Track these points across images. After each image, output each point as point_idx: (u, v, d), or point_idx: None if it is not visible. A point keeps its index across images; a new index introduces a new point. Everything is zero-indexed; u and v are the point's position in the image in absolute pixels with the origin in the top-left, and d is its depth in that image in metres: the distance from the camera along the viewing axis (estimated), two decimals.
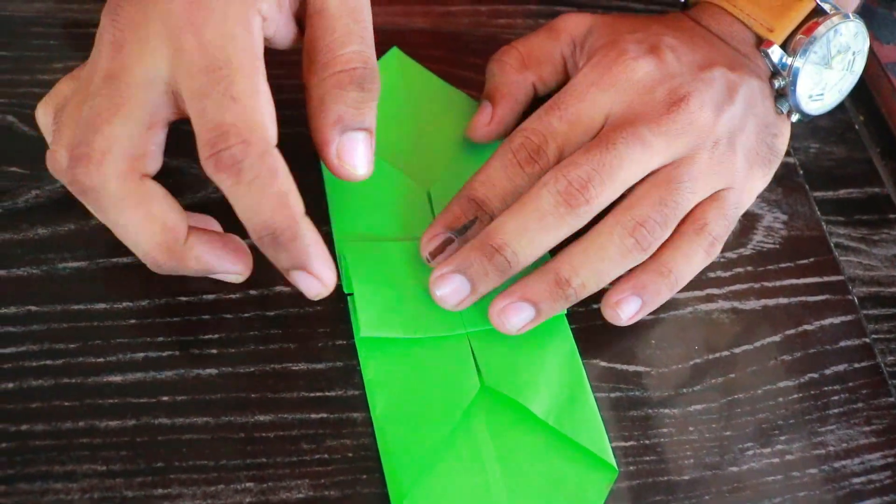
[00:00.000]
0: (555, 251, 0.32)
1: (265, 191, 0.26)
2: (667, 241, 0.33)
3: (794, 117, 0.37)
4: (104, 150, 0.26)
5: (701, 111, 0.33)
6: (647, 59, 0.34)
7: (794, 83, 0.35)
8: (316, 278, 0.28)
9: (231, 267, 0.29)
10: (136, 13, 0.27)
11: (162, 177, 0.33)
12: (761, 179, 0.36)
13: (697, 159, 0.33)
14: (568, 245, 0.32)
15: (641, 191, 0.32)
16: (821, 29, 0.34)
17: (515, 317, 0.31)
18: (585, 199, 0.31)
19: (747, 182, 0.35)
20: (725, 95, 0.34)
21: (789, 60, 0.35)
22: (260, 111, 0.26)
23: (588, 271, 0.31)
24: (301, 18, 0.30)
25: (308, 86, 0.29)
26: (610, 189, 0.31)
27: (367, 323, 0.31)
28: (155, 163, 0.28)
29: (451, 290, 0.31)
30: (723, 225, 0.34)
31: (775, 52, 0.35)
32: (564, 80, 0.38)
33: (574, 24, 0.38)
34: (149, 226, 0.27)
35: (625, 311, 0.33)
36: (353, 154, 0.29)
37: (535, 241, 0.31)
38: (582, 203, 0.31)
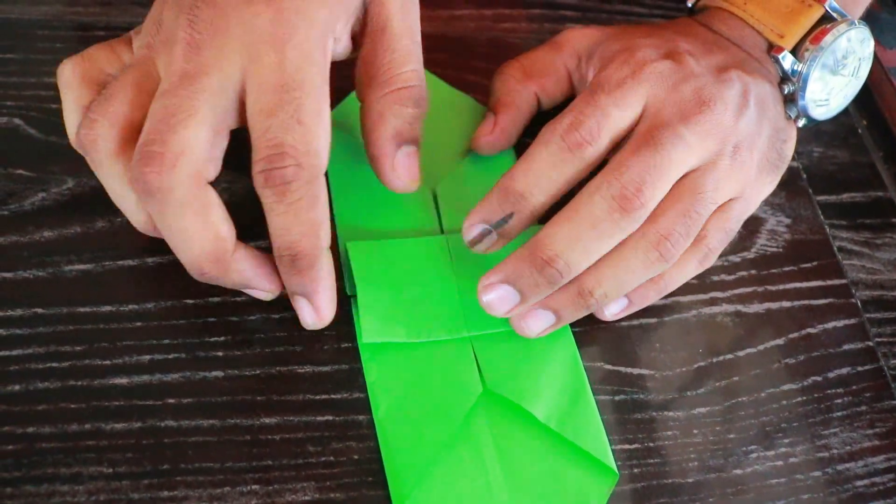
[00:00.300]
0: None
1: (300, 215, 0.27)
2: None
3: (801, 122, 0.37)
4: (178, 152, 0.26)
5: (725, 113, 0.32)
6: (668, 61, 0.33)
7: (803, 89, 0.35)
8: (315, 311, 0.29)
9: (267, 285, 0.30)
10: (217, 18, 0.27)
11: None
12: (769, 185, 0.36)
13: (720, 165, 0.32)
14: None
15: (665, 201, 0.31)
16: (829, 36, 0.34)
17: (536, 322, 0.32)
18: (641, 202, 0.30)
19: (755, 189, 0.35)
20: (741, 100, 0.33)
21: (800, 66, 0.35)
22: (320, 137, 0.27)
23: (611, 283, 0.31)
24: (355, 37, 0.31)
25: (366, 101, 0.30)
26: (660, 190, 0.30)
27: (369, 329, 0.31)
28: (216, 169, 0.28)
29: (497, 297, 0.31)
30: (720, 238, 0.34)
31: (787, 59, 0.35)
32: (569, 92, 0.38)
33: (578, 37, 0.38)
34: (204, 233, 0.27)
35: (611, 309, 0.34)
36: (409, 167, 0.31)
37: (590, 249, 0.30)
38: (637, 207, 0.30)
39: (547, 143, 0.31)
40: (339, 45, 0.30)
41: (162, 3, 0.29)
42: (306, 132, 0.27)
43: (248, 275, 0.29)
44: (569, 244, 0.30)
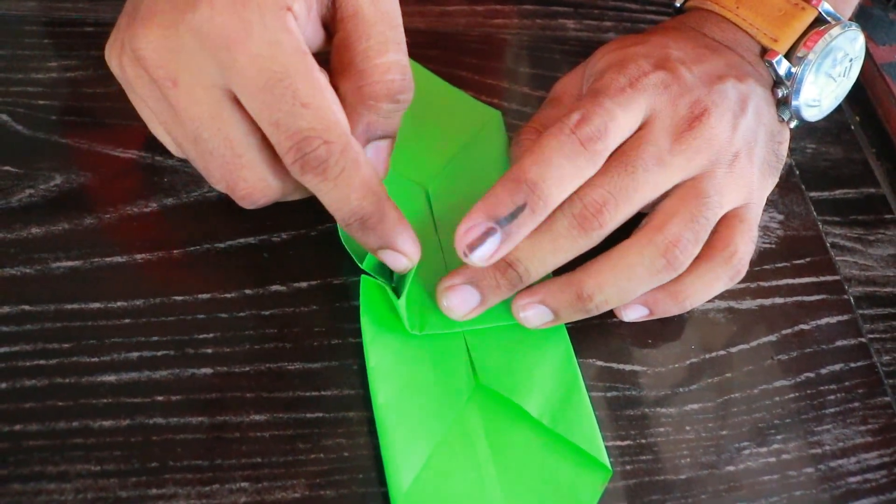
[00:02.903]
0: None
1: (351, 182, 0.27)
2: (692, 263, 0.32)
3: (792, 123, 0.36)
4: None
5: (720, 126, 0.32)
6: (662, 72, 0.32)
7: (797, 92, 0.35)
8: (402, 254, 0.29)
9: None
10: (165, 38, 0.26)
11: (158, 177, 0.34)
12: (770, 188, 0.36)
13: (717, 173, 0.32)
14: (595, 257, 0.31)
15: (669, 207, 0.31)
16: (823, 40, 0.34)
17: (534, 317, 0.32)
18: (600, 223, 0.30)
19: (761, 194, 0.35)
20: (739, 108, 0.33)
21: (794, 70, 0.35)
22: (330, 108, 0.26)
23: (613, 289, 0.31)
24: (328, 24, 0.29)
25: (340, 90, 0.28)
26: (625, 211, 0.30)
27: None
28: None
29: (460, 300, 0.31)
30: (750, 250, 0.33)
31: (782, 64, 0.34)
32: None
33: (571, 84, 0.37)
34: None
35: (629, 315, 0.34)
36: (376, 163, 0.30)
37: (547, 260, 0.30)
38: (596, 227, 0.30)
39: (557, 135, 0.29)
40: (303, 29, 0.27)
41: (121, 20, 0.29)
42: (316, 111, 0.26)
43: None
44: (528, 253, 0.30)
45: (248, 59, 0.25)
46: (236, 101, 0.27)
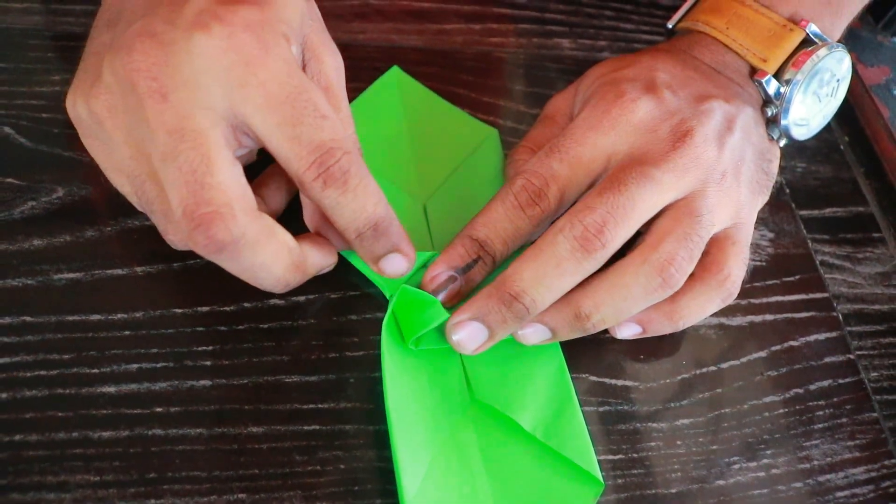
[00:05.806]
0: None
1: (368, 191, 0.29)
2: (687, 284, 0.33)
3: (782, 142, 0.37)
4: (226, 202, 0.26)
5: (705, 145, 0.33)
6: (646, 98, 0.33)
7: (785, 111, 0.35)
8: (405, 256, 0.31)
9: (333, 259, 0.32)
10: (165, 55, 0.26)
11: None
12: (760, 205, 0.37)
13: (708, 193, 0.32)
14: (591, 278, 0.31)
15: (663, 226, 0.32)
16: (811, 60, 0.35)
17: (533, 335, 0.32)
18: (602, 243, 0.30)
19: (751, 213, 0.35)
20: (725, 127, 0.34)
21: (783, 90, 0.35)
22: (345, 122, 0.29)
23: (610, 308, 0.31)
24: None
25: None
26: (624, 230, 0.31)
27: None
28: (251, 192, 0.27)
29: (467, 335, 0.31)
30: (743, 272, 0.34)
31: (771, 84, 0.35)
32: None
33: (563, 103, 0.38)
34: (280, 253, 0.28)
35: (623, 332, 0.34)
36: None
37: (553, 287, 0.30)
38: (598, 248, 0.30)
39: (503, 200, 0.33)
40: None
41: (94, 59, 0.29)
42: (334, 123, 0.27)
43: (320, 262, 0.31)
44: (534, 282, 0.30)
45: (268, 74, 0.26)
46: (232, 129, 0.27)
